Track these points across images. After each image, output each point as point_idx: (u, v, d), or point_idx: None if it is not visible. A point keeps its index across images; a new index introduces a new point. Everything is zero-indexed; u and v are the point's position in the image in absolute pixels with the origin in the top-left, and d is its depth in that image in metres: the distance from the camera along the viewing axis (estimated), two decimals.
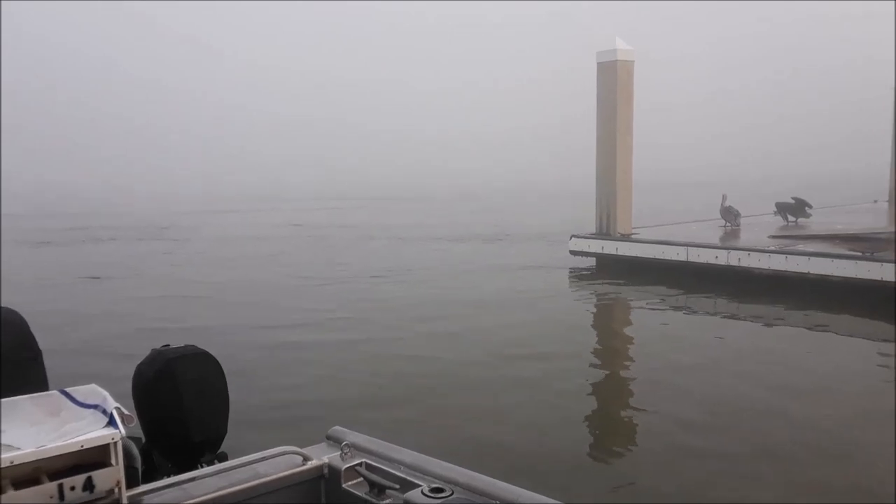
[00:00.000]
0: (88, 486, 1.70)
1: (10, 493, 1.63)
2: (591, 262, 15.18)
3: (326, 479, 2.16)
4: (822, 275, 11.38)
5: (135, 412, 1.92)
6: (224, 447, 2.64)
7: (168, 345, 2.72)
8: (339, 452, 2.17)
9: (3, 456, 1.64)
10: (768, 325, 10.24)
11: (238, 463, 2.12)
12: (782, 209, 16.82)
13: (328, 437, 2.31)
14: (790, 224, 16.29)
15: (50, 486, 1.66)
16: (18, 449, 1.70)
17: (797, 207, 16.58)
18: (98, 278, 15.00)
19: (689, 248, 13.31)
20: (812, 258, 11.61)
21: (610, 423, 6.54)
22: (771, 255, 12.17)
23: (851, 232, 13.70)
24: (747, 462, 5.35)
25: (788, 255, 11.95)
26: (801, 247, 12.42)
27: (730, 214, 16.19)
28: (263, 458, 2.14)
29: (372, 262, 16.48)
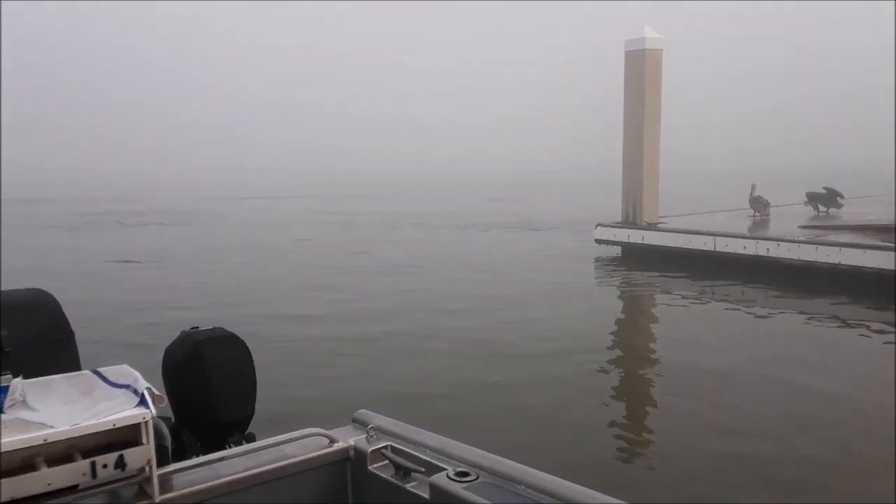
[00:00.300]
0: (120, 464, 1.73)
1: (44, 471, 1.66)
2: (617, 250, 15.07)
3: (352, 462, 2.18)
4: (853, 266, 11.17)
5: (164, 392, 1.95)
6: (251, 428, 2.68)
7: (197, 327, 2.75)
8: (364, 435, 2.18)
9: (37, 434, 1.68)
10: (804, 316, 10.08)
11: (265, 444, 2.14)
12: (813, 199, 16.54)
13: (354, 420, 2.33)
14: (821, 214, 16.01)
15: (83, 464, 1.69)
16: (52, 427, 1.73)
17: (829, 197, 16.29)
18: (131, 262, 15.24)
19: (717, 237, 13.15)
20: (843, 249, 11.41)
21: (637, 419, 6.47)
22: (801, 245, 11.97)
23: (884, 223, 13.42)
24: (777, 460, 5.27)
25: (819, 246, 11.74)
26: (832, 237, 12.20)
27: (759, 204, 15.97)
28: (290, 440, 2.16)
29: (397, 251, 16.50)
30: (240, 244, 18.14)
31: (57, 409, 1.87)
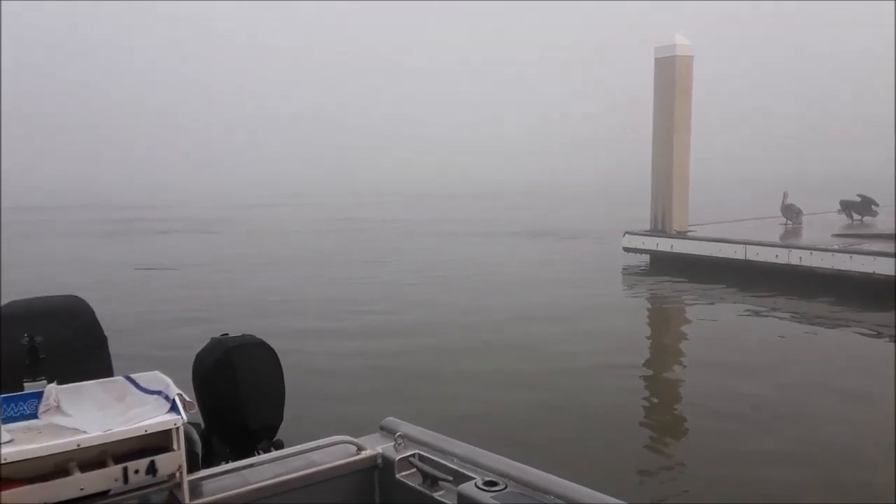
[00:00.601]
0: (151, 469, 1.74)
1: (77, 476, 1.68)
2: (645, 259, 14.94)
3: (380, 470, 2.17)
4: (888, 275, 10.93)
5: (195, 399, 1.97)
6: (279, 435, 2.69)
7: (227, 334, 2.78)
8: (392, 443, 2.18)
9: (71, 439, 1.70)
10: (832, 326, 9.90)
11: (294, 451, 2.15)
12: (847, 207, 16.24)
13: (381, 428, 2.33)
14: (855, 222, 15.71)
15: (115, 469, 1.71)
16: (85, 432, 1.76)
17: (863, 205, 15.99)
18: (156, 269, 15.45)
19: (748, 245, 12.96)
20: (878, 258, 11.17)
21: (666, 428, 6.38)
22: (835, 254, 11.76)
23: None
24: (809, 468, 5.17)
25: (853, 255, 11.52)
26: (866, 246, 11.96)
27: (791, 212, 15.72)
28: (318, 447, 2.16)
29: (421, 259, 16.50)
30: (257, 253, 18.15)
31: (90, 414, 1.89)
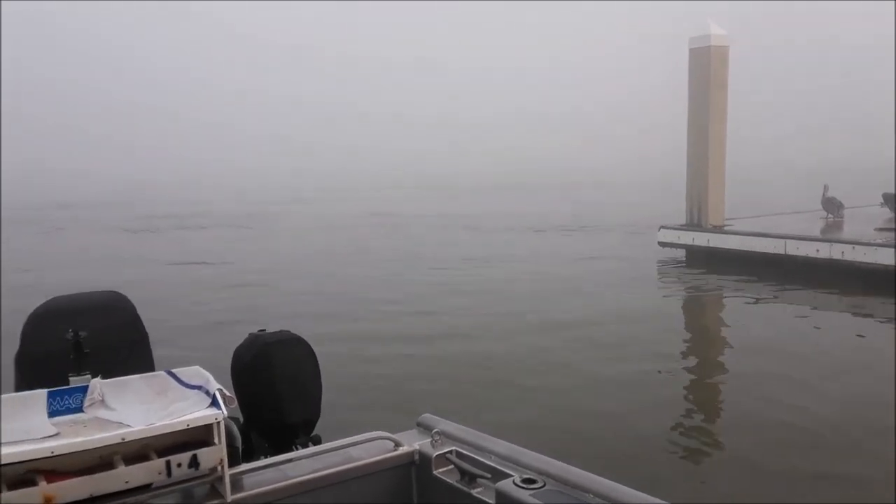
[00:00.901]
0: (194, 463, 1.77)
1: (122, 469, 1.70)
2: (681, 253, 14.73)
3: (417, 466, 2.17)
4: None
5: (233, 394, 1.99)
6: (317, 429, 2.71)
7: (264, 329, 2.81)
8: (429, 439, 2.18)
9: (115, 433, 1.73)
10: (880, 322, 9.64)
11: (331, 446, 2.16)
12: (889, 200, 15.80)
13: (418, 424, 2.33)
14: None
15: (158, 463, 1.74)
16: (129, 426, 1.79)
17: None
18: (194, 264, 15.66)
19: (788, 240, 12.69)
20: None
21: (704, 428, 6.27)
22: (878, 248, 11.46)
23: None
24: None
25: None
26: None
27: (832, 205, 15.35)
28: (356, 443, 2.17)
29: (456, 254, 16.45)
30: (292, 249, 18.18)
31: (133, 408, 1.92)
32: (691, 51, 14.49)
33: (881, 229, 13.26)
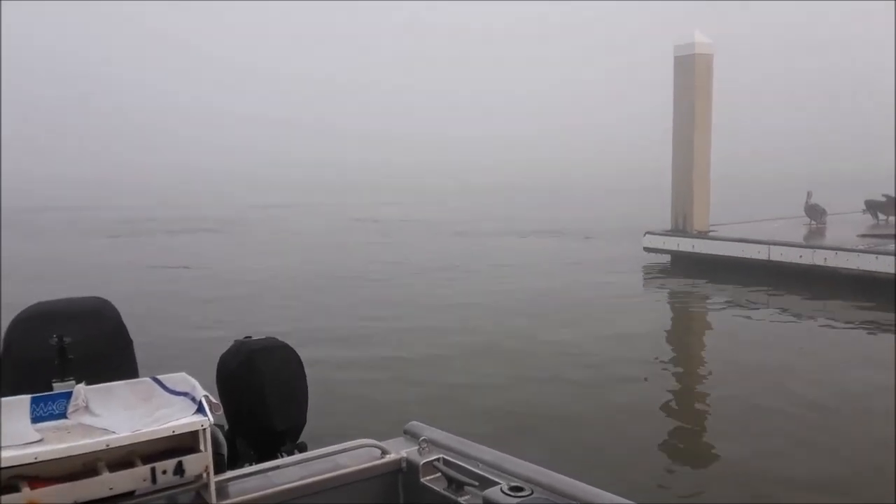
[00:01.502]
0: (179, 470, 1.76)
1: (106, 475, 1.69)
2: (666, 259, 14.83)
3: (404, 473, 2.17)
4: None
5: (219, 401, 1.98)
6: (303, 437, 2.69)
7: (250, 336, 2.79)
8: (416, 447, 2.18)
9: (100, 439, 1.72)
10: (861, 328, 9.74)
11: (318, 454, 2.16)
12: (872, 207, 16.00)
13: (405, 432, 2.32)
14: (880, 223, 15.48)
15: (143, 469, 1.72)
16: (114, 433, 1.77)
17: (888, 205, 15.73)
18: (173, 268, 15.51)
19: (772, 246, 12.81)
20: None
21: (688, 440, 6.28)
22: (860, 254, 11.59)
23: None
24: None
25: (879, 255, 11.35)
26: (892, 247, 11.77)
27: (815, 212, 15.52)
28: (343, 450, 2.17)
29: (444, 260, 16.44)
30: (271, 254, 18.07)
31: (118, 415, 1.91)
32: (676, 59, 14.62)
33: (864, 235, 13.41)
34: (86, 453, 1.69)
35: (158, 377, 2.02)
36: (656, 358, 8.41)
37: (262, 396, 2.58)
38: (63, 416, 1.90)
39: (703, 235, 14.30)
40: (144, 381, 2.03)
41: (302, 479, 2.04)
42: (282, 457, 2.30)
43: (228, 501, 1.90)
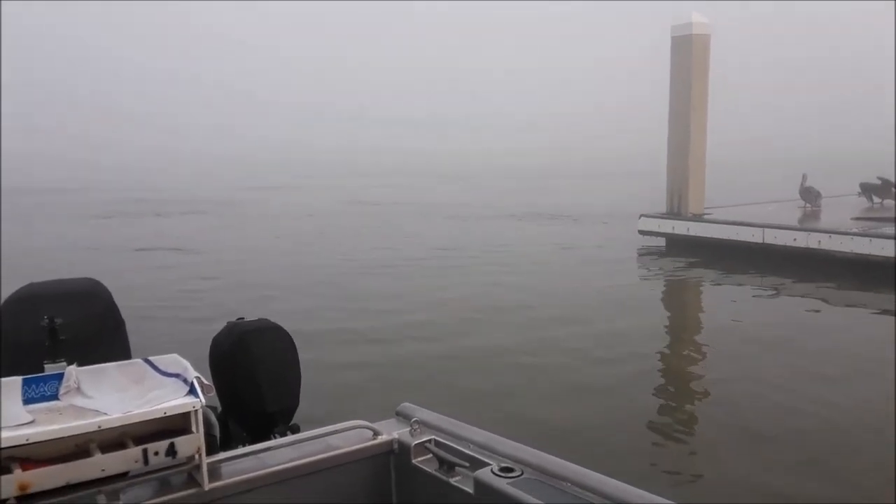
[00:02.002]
0: (171, 451, 1.76)
1: (98, 457, 1.69)
2: (661, 241, 14.84)
3: (396, 455, 2.18)
4: None
5: (212, 382, 1.98)
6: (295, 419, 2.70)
7: (243, 318, 2.79)
8: (408, 428, 2.19)
9: (92, 420, 1.72)
10: (861, 310, 9.77)
11: (310, 435, 2.16)
12: (867, 190, 16.01)
13: (397, 413, 2.33)
14: (875, 206, 15.51)
15: (135, 451, 1.73)
16: (106, 414, 1.77)
17: (883, 188, 15.75)
18: (164, 249, 15.43)
19: (766, 229, 12.84)
20: None
21: (682, 420, 6.31)
22: (854, 237, 11.62)
23: None
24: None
25: (873, 238, 11.38)
26: (886, 230, 11.81)
27: (810, 195, 15.53)
28: (335, 432, 2.18)
29: (439, 243, 16.40)
30: (260, 236, 17.93)
31: (110, 396, 1.91)
32: (673, 39, 14.53)
33: (858, 218, 13.45)
34: (78, 435, 1.69)
35: (150, 359, 2.02)
36: (650, 340, 8.45)
37: (254, 378, 2.59)
38: (55, 397, 1.90)
39: (697, 218, 14.31)
40: (136, 363, 2.03)
41: (294, 460, 2.05)
42: (274, 438, 2.30)
43: (220, 483, 1.91)
